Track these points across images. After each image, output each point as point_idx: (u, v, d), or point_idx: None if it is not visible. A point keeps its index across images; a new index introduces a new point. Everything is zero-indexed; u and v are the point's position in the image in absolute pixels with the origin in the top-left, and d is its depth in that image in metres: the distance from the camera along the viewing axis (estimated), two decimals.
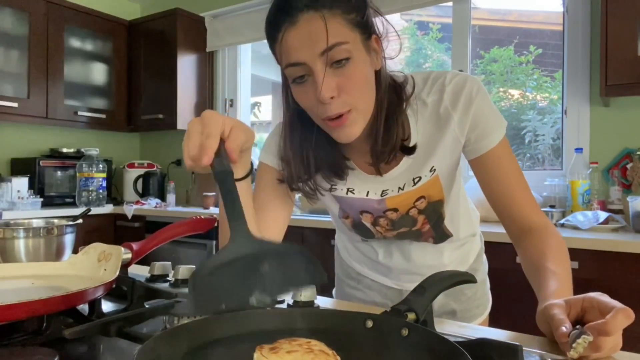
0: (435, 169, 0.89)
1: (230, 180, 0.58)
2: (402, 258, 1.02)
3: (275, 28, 0.76)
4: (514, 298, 1.55)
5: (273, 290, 0.53)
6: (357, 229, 1.00)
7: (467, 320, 1.04)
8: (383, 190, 0.91)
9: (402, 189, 0.91)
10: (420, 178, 0.89)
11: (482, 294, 1.08)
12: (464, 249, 1.04)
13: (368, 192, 0.92)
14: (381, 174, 0.88)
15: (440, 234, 0.98)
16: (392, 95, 0.83)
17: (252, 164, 0.79)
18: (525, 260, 0.83)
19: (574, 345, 0.52)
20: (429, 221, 0.95)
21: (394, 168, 0.88)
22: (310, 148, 0.86)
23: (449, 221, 0.97)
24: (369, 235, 1.01)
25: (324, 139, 0.85)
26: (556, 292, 0.68)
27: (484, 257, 1.13)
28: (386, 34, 0.82)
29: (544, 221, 0.85)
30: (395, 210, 0.93)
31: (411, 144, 0.84)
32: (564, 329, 0.56)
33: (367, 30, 0.77)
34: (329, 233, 1.19)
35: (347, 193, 0.93)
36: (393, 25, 0.83)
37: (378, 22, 0.80)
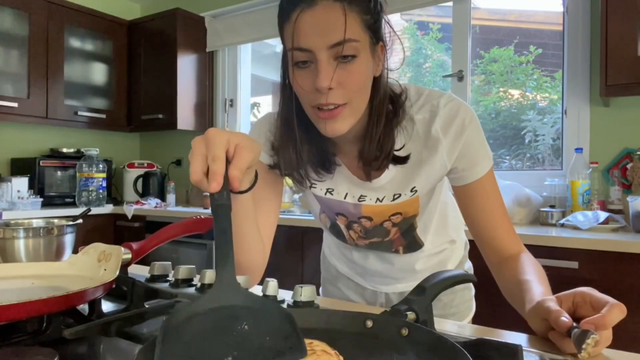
0: (416, 190, 0.89)
1: (227, 216, 0.53)
2: (376, 259, 1.02)
3: (290, 6, 0.74)
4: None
5: (247, 358, 0.45)
6: (333, 230, 1.01)
7: None
8: (361, 196, 0.91)
9: (381, 201, 0.91)
10: (400, 195, 0.89)
11: (460, 302, 1.07)
12: (441, 256, 1.04)
13: (346, 194, 0.92)
14: (369, 179, 0.88)
15: (410, 242, 0.98)
16: (389, 106, 0.83)
17: (256, 174, 0.78)
18: (504, 282, 0.84)
19: (584, 346, 0.52)
20: (399, 230, 0.96)
21: (376, 178, 0.88)
22: (303, 137, 0.85)
23: (421, 230, 0.97)
24: (342, 240, 1.02)
25: (316, 130, 0.85)
26: (542, 295, 0.68)
27: (468, 264, 1.12)
28: (391, 45, 0.82)
29: (522, 249, 0.87)
30: (370, 219, 0.93)
31: (403, 155, 0.84)
32: (564, 318, 0.56)
33: (376, 35, 0.77)
34: None
35: (325, 194, 0.93)
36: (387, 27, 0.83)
37: (386, 33, 0.81)
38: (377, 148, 0.82)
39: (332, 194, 0.93)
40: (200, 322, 0.46)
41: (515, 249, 0.86)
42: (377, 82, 0.81)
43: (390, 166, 0.86)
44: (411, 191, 0.89)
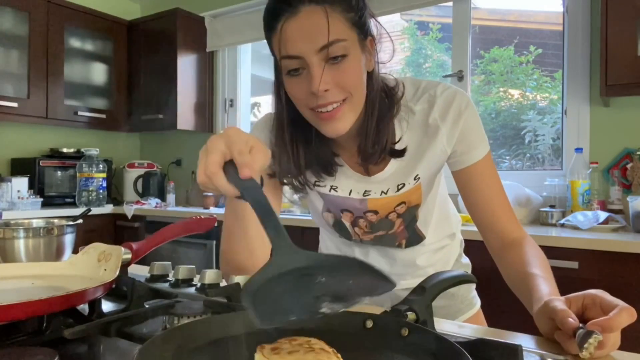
0: (419, 178, 0.90)
1: (262, 193, 0.54)
2: (378, 255, 1.02)
3: (274, 17, 0.75)
4: (505, 297, 1.55)
5: (347, 297, 0.46)
6: (337, 227, 1.01)
7: (454, 315, 1.04)
8: (365, 191, 0.92)
9: (385, 194, 0.92)
10: (404, 185, 0.91)
11: (465, 291, 1.08)
12: (443, 252, 1.05)
13: (351, 191, 0.93)
14: (369, 174, 0.89)
15: (412, 235, 0.99)
16: (384, 99, 0.84)
17: (262, 179, 0.78)
18: (508, 270, 0.84)
19: (585, 345, 0.52)
20: (404, 222, 0.97)
21: (379, 172, 0.89)
22: (300, 144, 0.86)
23: (422, 223, 0.98)
24: (347, 236, 1.02)
25: (314, 135, 0.85)
26: (550, 294, 0.68)
27: (465, 259, 1.13)
28: (379, 37, 0.83)
29: (524, 234, 0.87)
30: (376, 212, 0.94)
31: (400, 147, 0.85)
32: (571, 320, 0.56)
33: (363, 31, 0.78)
34: None
35: (330, 191, 0.94)
36: (387, 27, 0.84)
37: (372, 25, 0.81)
38: (374, 142, 0.83)
39: (336, 191, 0.93)
40: (277, 285, 0.47)
41: (517, 233, 0.87)
42: (371, 76, 0.82)
43: (392, 160, 0.87)
44: (414, 179, 0.90)
